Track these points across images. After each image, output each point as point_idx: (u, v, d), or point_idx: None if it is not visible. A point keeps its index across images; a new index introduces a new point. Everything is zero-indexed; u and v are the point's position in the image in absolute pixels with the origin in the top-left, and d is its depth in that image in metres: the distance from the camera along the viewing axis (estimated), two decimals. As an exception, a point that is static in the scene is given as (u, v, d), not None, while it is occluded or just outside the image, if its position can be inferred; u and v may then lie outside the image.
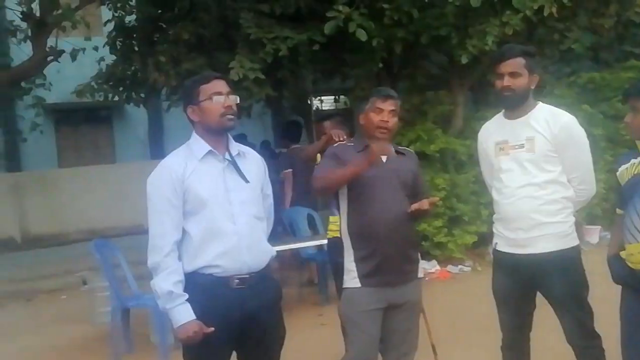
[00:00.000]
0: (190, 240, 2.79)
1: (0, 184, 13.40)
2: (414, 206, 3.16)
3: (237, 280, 2.79)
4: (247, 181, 2.88)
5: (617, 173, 2.97)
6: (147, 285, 5.89)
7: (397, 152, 3.33)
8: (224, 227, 2.78)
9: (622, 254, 2.87)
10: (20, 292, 8.56)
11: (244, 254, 2.80)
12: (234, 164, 2.87)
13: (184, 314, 2.73)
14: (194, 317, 2.73)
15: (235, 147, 2.94)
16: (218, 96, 2.80)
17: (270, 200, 3.11)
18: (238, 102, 2.90)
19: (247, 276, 2.81)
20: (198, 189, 2.77)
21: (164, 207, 2.77)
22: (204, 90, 2.82)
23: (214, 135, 2.85)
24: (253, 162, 3.00)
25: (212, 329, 2.73)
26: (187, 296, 2.74)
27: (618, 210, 2.96)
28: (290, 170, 7.76)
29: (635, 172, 2.85)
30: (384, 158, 3.24)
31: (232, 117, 2.83)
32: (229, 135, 2.94)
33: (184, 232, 2.80)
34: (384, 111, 3.26)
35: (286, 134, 8.67)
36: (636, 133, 2.85)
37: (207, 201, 2.77)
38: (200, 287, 2.76)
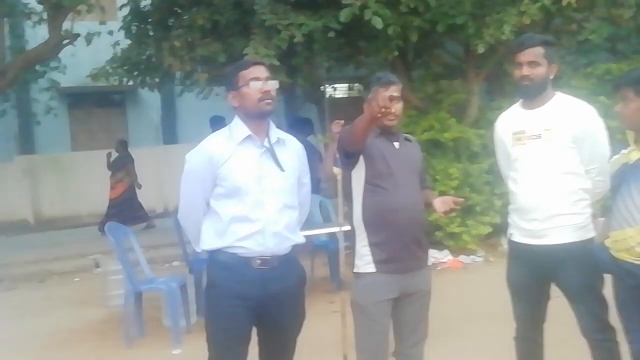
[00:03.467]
0: (218, 220, 2.87)
1: (14, 166, 13.51)
2: (440, 207, 3.17)
3: (259, 261, 2.86)
4: (282, 170, 2.91)
5: (609, 164, 3.01)
6: (160, 269, 5.95)
7: (405, 139, 3.31)
8: (252, 214, 2.84)
9: (607, 242, 2.92)
10: (33, 274, 8.65)
11: (269, 239, 2.86)
12: (271, 151, 2.91)
13: None
14: None
15: (276, 134, 2.97)
16: (255, 82, 2.85)
17: (306, 188, 3.14)
18: (277, 87, 2.93)
19: (269, 257, 2.87)
20: (233, 176, 2.83)
21: (197, 185, 2.89)
22: (242, 76, 2.87)
23: (254, 120, 2.89)
24: (292, 150, 3.03)
25: None
26: None
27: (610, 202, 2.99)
28: None
29: (624, 162, 2.91)
30: (396, 144, 3.23)
31: (270, 101, 2.87)
32: (270, 121, 2.97)
33: (214, 211, 2.89)
34: (384, 95, 3.20)
35: (294, 128, 9.36)
36: (626, 122, 2.91)
37: (241, 188, 2.83)
38: (223, 264, 2.87)
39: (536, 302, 3.29)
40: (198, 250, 3.04)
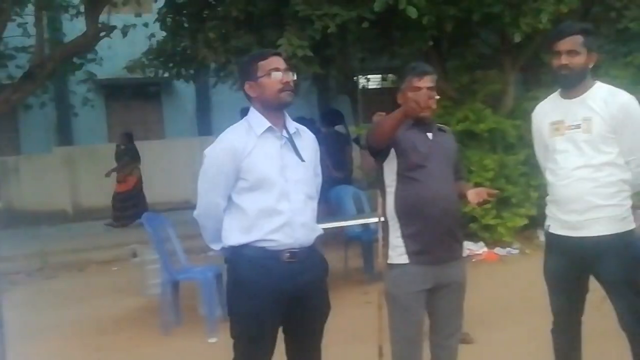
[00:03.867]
0: (244, 215, 2.83)
1: (53, 157, 13.76)
2: (473, 198, 3.13)
3: (288, 254, 2.83)
4: (302, 160, 2.90)
5: None
6: (196, 258, 6.02)
7: (438, 129, 3.29)
8: (279, 206, 2.81)
9: None
10: (72, 262, 8.83)
11: (297, 230, 2.84)
12: (291, 141, 2.89)
13: None
14: None
15: (293, 125, 2.95)
16: (276, 72, 2.82)
17: (319, 179, 3.12)
18: (295, 78, 2.91)
19: (297, 250, 2.84)
20: (257, 168, 2.80)
21: (220, 180, 2.83)
22: (262, 66, 2.83)
23: (272, 110, 2.87)
24: (308, 141, 3.02)
25: None
26: None
27: None
28: None
29: None
30: (429, 135, 3.21)
31: (290, 92, 2.85)
32: (285, 112, 2.95)
33: (237, 206, 2.84)
34: (422, 89, 3.16)
35: (325, 119, 9.65)
36: None
37: (265, 180, 2.80)
38: (252, 260, 2.81)
39: (574, 294, 3.25)
40: (215, 248, 2.98)
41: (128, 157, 11.60)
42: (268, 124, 2.85)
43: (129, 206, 11.41)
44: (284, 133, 2.90)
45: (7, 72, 12.66)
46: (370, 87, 15.28)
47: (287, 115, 2.95)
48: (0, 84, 12.00)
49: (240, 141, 2.82)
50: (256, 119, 2.87)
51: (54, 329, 5.84)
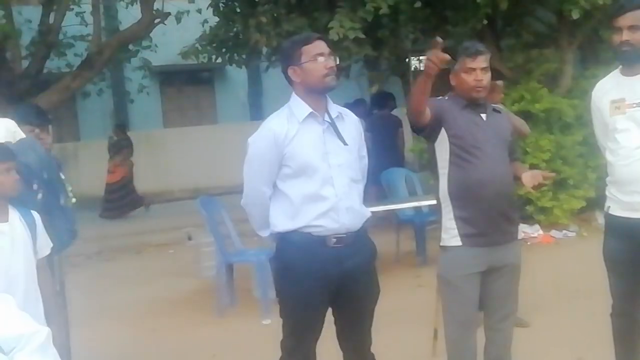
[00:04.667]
0: (289, 202, 2.85)
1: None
2: (529, 181, 3.09)
3: (335, 239, 2.83)
4: (345, 144, 2.89)
5: None
6: (250, 241, 6.09)
7: (493, 109, 3.23)
8: (323, 191, 2.82)
9: None
10: (130, 245, 9.04)
11: (342, 215, 2.84)
12: (333, 126, 2.88)
13: None
14: None
15: (335, 108, 2.94)
16: (321, 57, 2.81)
17: (365, 161, 3.10)
18: (338, 62, 2.89)
19: (344, 235, 2.85)
20: (300, 154, 2.81)
21: (264, 168, 2.85)
22: (306, 51, 2.82)
23: (315, 95, 2.86)
24: (351, 124, 3.00)
25: None
26: None
27: None
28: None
29: None
30: (483, 116, 3.16)
31: (334, 77, 2.84)
32: (328, 96, 2.93)
33: (282, 193, 2.87)
34: (475, 70, 3.10)
35: (378, 103, 9.73)
36: None
37: (307, 166, 2.81)
38: (299, 245, 2.83)
39: (635, 277, 3.15)
40: (263, 235, 3.02)
41: (128, 148, 11.74)
42: (309, 109, 2.84)
43: (117, 198, 11.58)
44: (326, 118, 2.89)
45: (66, 60, 13.00)
46: (422, 68, 15.09)
47: (329, 99, 2.94)
48: (60, 72, 12.33)
49: (282, 128, 2.82)
50: (298, 105, 2.86)
51: (112, 311, 6.00)
